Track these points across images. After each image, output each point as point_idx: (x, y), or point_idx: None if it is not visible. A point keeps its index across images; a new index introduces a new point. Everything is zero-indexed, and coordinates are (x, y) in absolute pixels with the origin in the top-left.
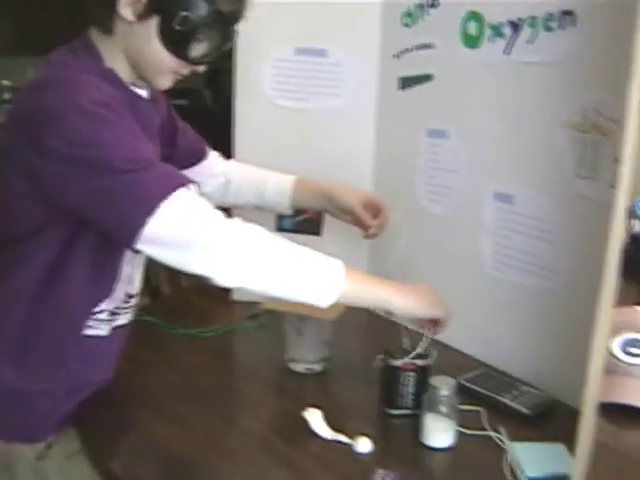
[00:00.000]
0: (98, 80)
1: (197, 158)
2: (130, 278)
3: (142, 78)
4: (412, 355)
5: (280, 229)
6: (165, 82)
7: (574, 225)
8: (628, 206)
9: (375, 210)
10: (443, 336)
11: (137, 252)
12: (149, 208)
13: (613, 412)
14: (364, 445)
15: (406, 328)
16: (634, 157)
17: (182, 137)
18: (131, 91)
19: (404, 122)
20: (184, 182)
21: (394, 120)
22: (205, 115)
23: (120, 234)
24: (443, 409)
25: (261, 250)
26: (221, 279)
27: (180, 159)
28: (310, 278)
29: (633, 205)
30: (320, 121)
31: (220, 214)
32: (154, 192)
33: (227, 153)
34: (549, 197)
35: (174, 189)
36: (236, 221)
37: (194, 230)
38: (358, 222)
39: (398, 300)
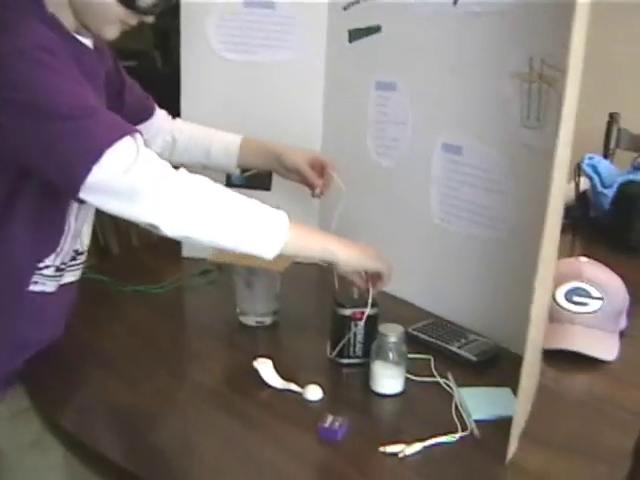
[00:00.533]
0: (40, 26)
1: (144, 115)
2: (77, 233)
3: (87, 27)
4: (367, 309)
5: (230, 184)
6: (112, 32)
7: (520, 175)
8: (577, 162)
9: (321, 169)
10: (392, 288)
11: (81, 202)
12: (94, 155)
13: (556, 358)
14: (314, 393)
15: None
16: (575, 106)
17: (129, 93)
18: (75, 39)
19: (353, 75)
20: (130, 131)
21: (343, 73)
22: (154, 77)
23: (64, 183)
24: (392, 356)
25: (207, 199)
26: (167, 228)
27: (127, 116)
28: (254, 228)
29: (581, 161)
30: (268, 74)
31: (166, 164)
32: (99, 139)
33: (176, 114)
34: (496, 148)
35: (120, 137)
36: (182, 171)
37: (140, 178)
38: (305, 181)
39: (342, 251)
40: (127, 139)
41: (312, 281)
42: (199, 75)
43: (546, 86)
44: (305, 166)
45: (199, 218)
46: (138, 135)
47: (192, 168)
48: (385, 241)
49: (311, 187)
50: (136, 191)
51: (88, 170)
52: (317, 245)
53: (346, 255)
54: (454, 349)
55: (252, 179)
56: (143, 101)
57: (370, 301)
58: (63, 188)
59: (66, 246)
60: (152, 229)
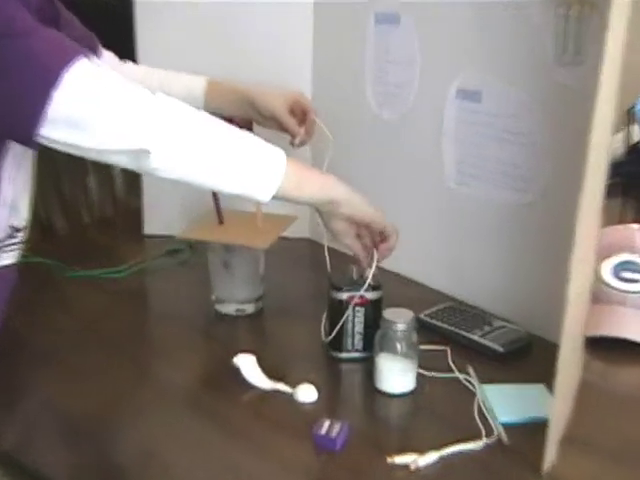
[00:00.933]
0: None
1: None
2: (13, 204)
3: None
4: (363, 287)
5: None
6: None
7: (554, 124)
8: (628, 107)
9: (303, 115)
10: (399, 265)
11: (35, 147)
12: (50, 79)
13: (602, 347)
14: (307, 393)
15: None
16: (624, 36)
17: (67, 28)
18: None
19: (348, 6)
20: (84, 51)
21: (336, 4)
22: (100, 9)
23: (17, 119)
24: (400, 347)
25: (195, 126)
26: (159, 154)
27: None
28: (249, 162)
29: (632, 107)
30: (244, 7)
31: (139, 84)
32: (52, 60)
33: (129, 56)
34: (524, 91)
35: (75, 57)
36: (160, 94)
37: (113, 101)
38: (284, 129)
39: (343, 188)
40: (84, 60)
41: (303, 259)
42: (158, 8)
43: (588, 10)
44: (283, 111)
45: (192, 144)
46: (95, 58)
47: None
48: (389, 210)
49: (291, 135)
50: (109, 117)
51: (48, 98)
52: (316, 183)
53: (347, 194)
54: (476, 338)
55: None
56: (84, 40)
57: (374, 268)
58: (15, 127)
59: (1, 220)
60: (135, 163)
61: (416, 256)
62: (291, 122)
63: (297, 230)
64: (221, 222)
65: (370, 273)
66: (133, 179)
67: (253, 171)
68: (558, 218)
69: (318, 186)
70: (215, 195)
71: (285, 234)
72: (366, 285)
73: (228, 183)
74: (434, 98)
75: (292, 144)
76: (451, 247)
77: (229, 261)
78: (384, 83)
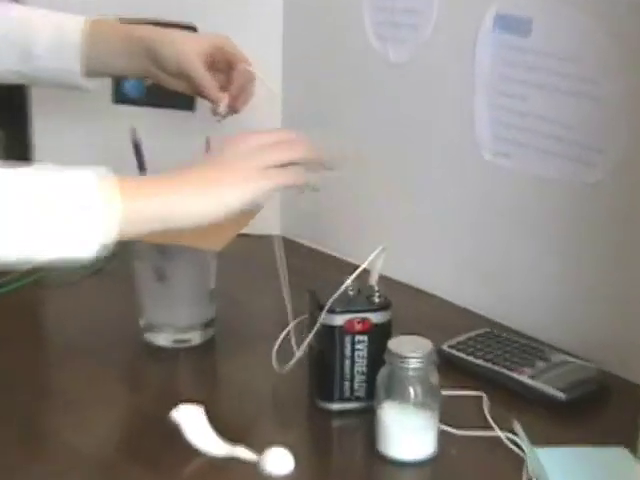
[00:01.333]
0: None
1: None
2: None
3: None
4: (363, 305)
5: (121, 100)
6: None
7: (633, 68)
8: None
9: (228, 67)
10: (410, 274)
11: None
12: None
13: None
14: (280, 462)
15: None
16: None
17: None
18: None
19: None
20: None
21: None
22: None
23: None
24: (413, 393)
25: None
26: None
27: None
28: (59, 218)
29: None
30: None
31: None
32: None
33: None
34: (591, 18)
35: None
36: None
37: None
38: (200, 92)
39: (206, 200)
40: None
41: (271, 265)
42: None
43: None
44: (196, 65)
45: None
46: None
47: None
48: (400, 194)
49: (211, 101)
50: None
51: None
52: (165, 208)
53: (217, 202)
54: (525, 379)
55: (158, 92)
56: None
57: (377, 271)
58: None
59: None
60: None
61: (436, 260)
62: (207, 80)
63: (263, 225)
64: None
65: (375, 277)
66: None
67: (65, 225)
68: (637, 204)
69: (170, 211)
70: (137, 147)
71: (247, 230)
72: (375, 298)
73: (46, 251)
74: (461, 29)
75: (215, 114)
76: (486, 246)
77: (165, 270)
78: (388, 9)
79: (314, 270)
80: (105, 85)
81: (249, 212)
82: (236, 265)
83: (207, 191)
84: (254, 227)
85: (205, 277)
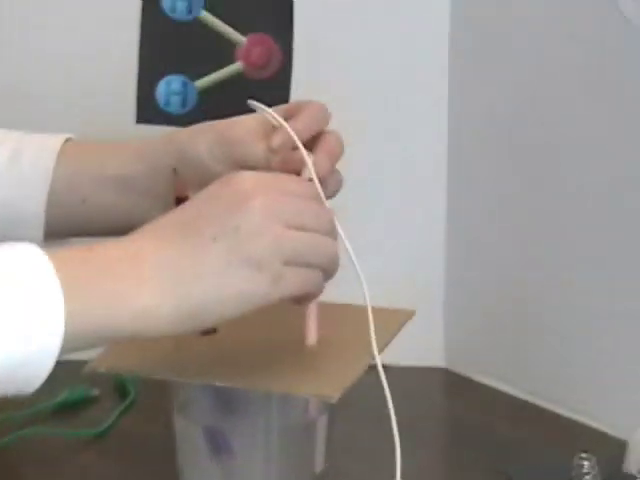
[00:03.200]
0: None
1: None
2: None
3: None
4: None
5: (149, 118)
6: None
7: None
8: None
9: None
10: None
11: None
12: None
13: None
14: None
15: None
16: None
17: None
18: None
19: None
20: None
21: None
22: None
23: None
24: None
25: None
26: None
27: None
28: None
29: None
30: None
31: None
32: None
33: None
34: None
35: None
36: None
37: None
38: None
39: (174, 303)
40: None
41: (430, 416)
42: None
43: None
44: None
45: None
46: None
47: None
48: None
49: None
50: None
51: None
52: (125, 309)
53: (202, 296)
54: None
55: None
56: None
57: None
58: None
59: None
60: None
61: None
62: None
63: (418, 351)
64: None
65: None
66: None
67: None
68: None
69: (135, 312)
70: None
71: (387, 360)
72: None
73: None
74: None
75: None
76: None
77: (227, 437)
78: None
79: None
80: (127, 97)
81: (394, 324)
82: (368, 416)
83: (179, 290)
84: (401, 355)
85: (306, 452)
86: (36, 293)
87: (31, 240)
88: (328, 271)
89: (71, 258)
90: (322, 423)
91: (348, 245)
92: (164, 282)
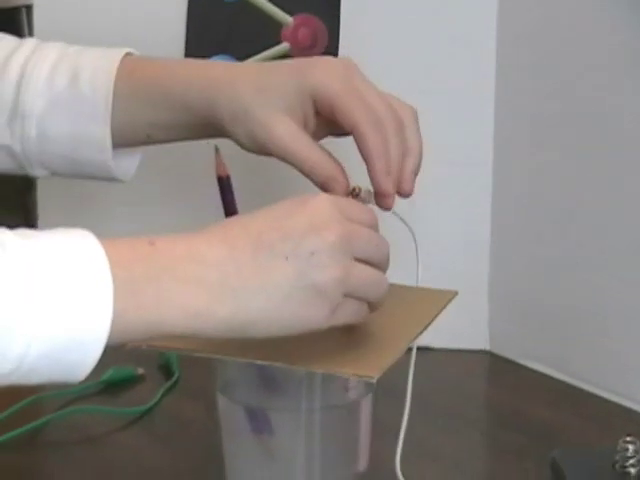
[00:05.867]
0: None
1: None
2: None
3: None
4: None
5: None
6: None
7: None
8: None
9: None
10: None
11: None
12: None
13: None
14: None
15: None
16: None
17: None
18: None
19: None
20: None
21: None
22: None
23: None
24: None
25: None
26: None
27: None
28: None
29: None
30: None
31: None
32: None
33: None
34: None
35: None
36: None
37: None
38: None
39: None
40: None
41: (474, 400)
42: None
43: None
44: (292, 144)
45: None
46: None
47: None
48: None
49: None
50: None
51: None
52: (178, 308)
53: (260, 305)
54: None
55: None
56: None
57: None
58: None
59: None
60: None
61: None
62: (317, 161)
63: (462, 334)
64: None
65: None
66: None
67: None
68: None
69: (186, 315)
70: (222, 181)
71: (427, 341)
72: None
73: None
74: None
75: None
76: None
77: (268, 417)
78: None
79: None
80: None
81: (435, 305)
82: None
83: (239, 300)
84: (445, 338)
85: (349, 433)
86: (86, 284)
87: (99, 162)
88: (375, 305)
89: (131, 251)
90: (366, 404)
91: (410, 228)
92: (226, 289)
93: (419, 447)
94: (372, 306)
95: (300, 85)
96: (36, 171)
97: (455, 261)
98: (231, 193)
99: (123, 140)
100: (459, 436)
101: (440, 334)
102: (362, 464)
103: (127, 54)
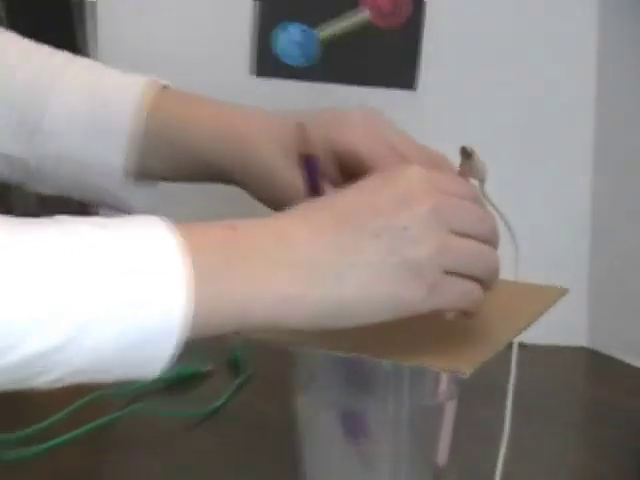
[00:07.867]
0: None
1: None
2: None
3: None
4: None
5: (269, 72)
6: None
7: None
8: None
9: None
10: None
11: None
12: None
13: None
14: None
15: None
16: None
17: None
18: None
19: None
20: None
21: None
22: None
23: None
24: None
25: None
26: None
27: None
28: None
29: None
30: None
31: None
32: None
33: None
34: None
35: None
36: None
37: None
38: None
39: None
40: None
41: (573, 397)
42: None
43: None
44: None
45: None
46: None
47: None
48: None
49: None
50: None
51: None
52: (268, 294)
53: (355, 291)
54: None
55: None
56: None
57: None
58: None
59: None
60: None
61: None
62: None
63: (561, 330)
64: None
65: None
66: None
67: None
68: None
69: (275, 301)
70: (309, 159)
71: (527, 339)
72: None
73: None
74: None
75: None
76: None
77: (363, 418)
78: None
79: None
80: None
81: (542, 301)
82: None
83: (329, 281)
84: (543, 334)
85: (433, 435)
86: (159, 277)
87: (111, 190)
88: (487, 283)
89: (211, 238)
90: (451, 407)
91: (507, 220)
92: (316, 270)
93: (517, 447)
94: (485, 287)
95: (325, 148)
96: (46, 189)
97: (555, 256)
98: (317, 174)
99: (139, 173)
100: (556, 432)
101: (537, 330)
102: (441, 459)
103: (153, 82)
